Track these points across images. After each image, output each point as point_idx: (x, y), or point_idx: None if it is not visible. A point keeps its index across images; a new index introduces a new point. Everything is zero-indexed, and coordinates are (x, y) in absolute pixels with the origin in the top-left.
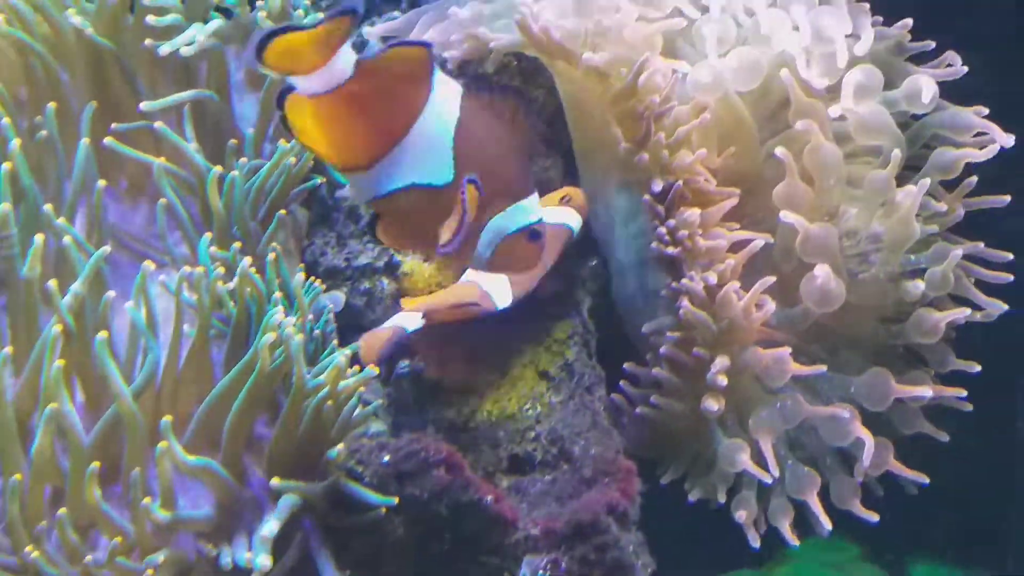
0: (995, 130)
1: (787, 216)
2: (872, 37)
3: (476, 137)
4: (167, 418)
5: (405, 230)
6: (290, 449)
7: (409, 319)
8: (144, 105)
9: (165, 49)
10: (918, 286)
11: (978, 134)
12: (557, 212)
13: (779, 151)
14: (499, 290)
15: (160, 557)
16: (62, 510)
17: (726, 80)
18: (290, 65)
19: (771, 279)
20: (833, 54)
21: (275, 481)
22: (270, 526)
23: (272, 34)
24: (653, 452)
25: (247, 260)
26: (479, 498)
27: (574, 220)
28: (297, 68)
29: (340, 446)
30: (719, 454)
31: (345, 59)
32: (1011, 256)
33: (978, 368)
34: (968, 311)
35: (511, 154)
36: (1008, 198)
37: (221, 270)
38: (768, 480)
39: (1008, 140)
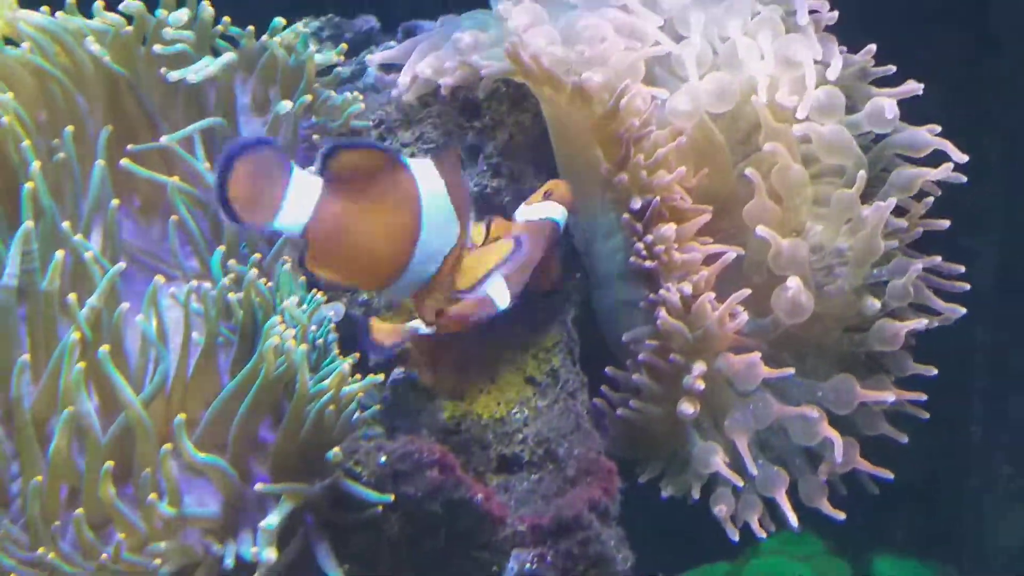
0: (949, 147)
1: (762, 231)
2: (841, 63)
3: (458, 190)
4: (181, 416)
5: (436, 294)
6: (293, 451)
7: (422, 324)
8: (165, 139)
9: (174, 75)
10: (874, 305)
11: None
12: (540, 207)
13: (749, 171)
14: (499, 292)
15: (162, 545)
16: (79, 510)
17: (702, 105)
18: (261, 217)
19: (746, 291)
20: (801, 78)
21: (259, 487)
22: (270, 518)
23: (224, 198)
24: (632, 452)
25: (254, 271)
26: (470, 496)
27: (557, 212)
28: (263, 215)
29: (336, 449)
30: (693, 455)
31: (303, 184)
32: (963, 268)
33: (935, 372)
34: (926, 321)
35: (465, 186)
36: (947, 223)
37: (230, 279)
38: (739, 483)
39: (962, 157)
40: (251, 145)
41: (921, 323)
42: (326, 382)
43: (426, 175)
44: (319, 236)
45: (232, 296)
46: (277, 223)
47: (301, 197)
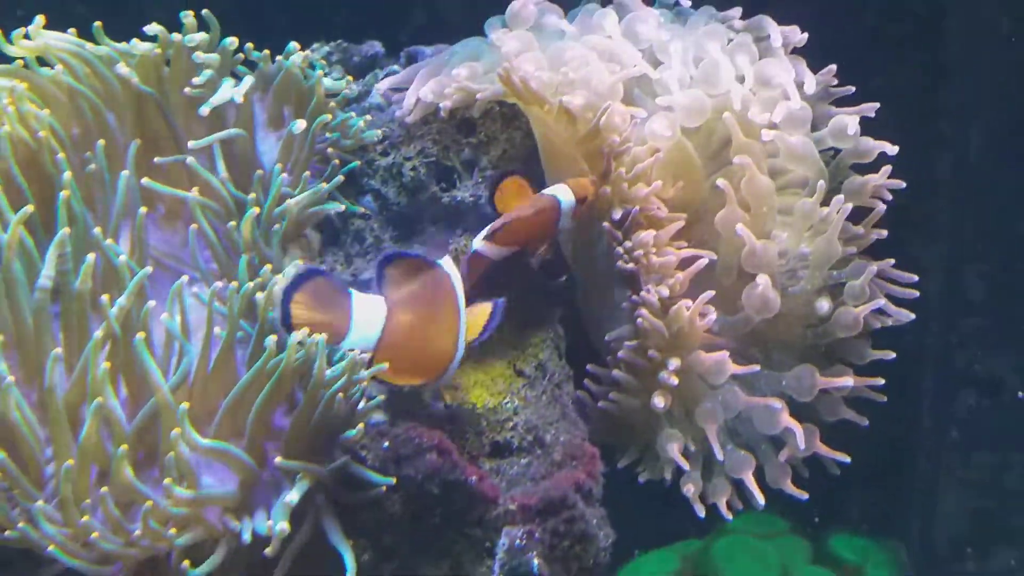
0: (886, 145)
1: (741, 229)
2: (814, 82)
3: (463, 280)
4: (184, 404)
5: None
6: (305, 435)
7: None
8: (192, 144)
9: (205, 109)
10: (823, 306)
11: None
12: (552, 188)
13: (720, 182)
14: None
15: (171, 505)
16: (104, 488)
17: (679, 127)
18: (328, 340)
19: (711, 293)
20: (773, 98)
21: (279, 460)
22: (291, 495)
23: (287, 326)
24: (612, 440)
25: (277, 276)
26: (465, 478)
27: (561, 192)
28: (335, 336)
29: (361, 424)
30: (658, 443)
31: (366, 306)
32: (916, 278)
33: (893, 355)
34: (883, 301)
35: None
36: (885, 232)
37: (256, 283)
38: (686, 467)
39: (893, 149)
40: (306, 277)
41: (879, 303)
42: (339, 367)
43: (451, 269)
44: (388, 349)
45: (259, 296)
46: (347, 343)
47: (367, 318)
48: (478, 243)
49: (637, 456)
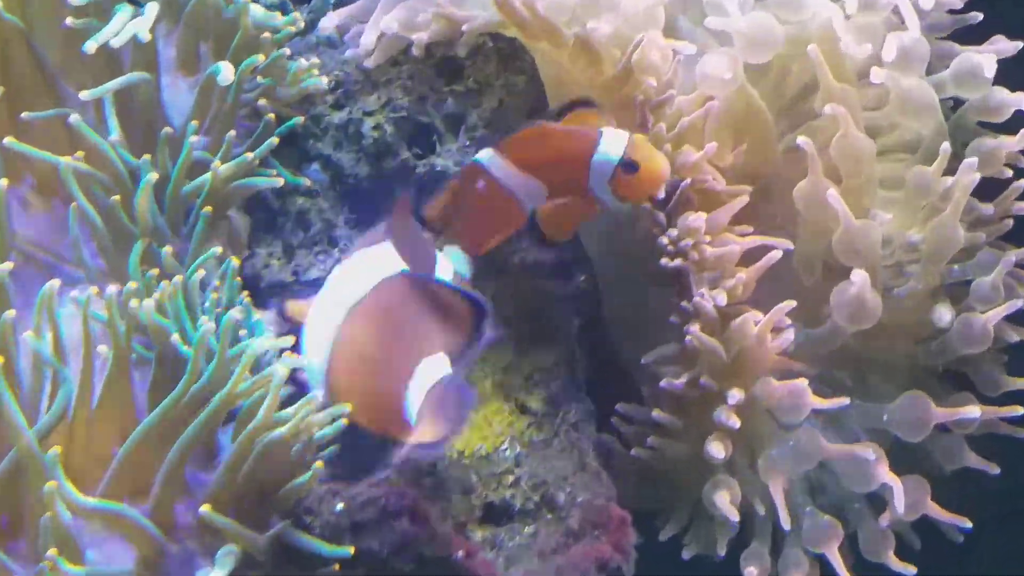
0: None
1: (834, 198)
2: None
3: None
4: (56, 449)
5: None
6: (232, 493)
7: None
8: (85, 94)
9: (92, 45)
10: (944, 316)
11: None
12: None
13: (802, 140)
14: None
15: None
16: None
17: (739, 60)
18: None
19: (790, 304)
20: (875, 25)
21: (205, 508)
22: (214, 573)
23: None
24: (650, 500)
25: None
26: (449, 553)
27: (610, 135)
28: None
29: (319, 464)
30: (704, 494)
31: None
32: None
33: None
34: (1021, 303)
35: None
36: None
37: (169, 282)
38: (735, 518)
39: None
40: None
41: (1017, 304)
42: (288, 410)
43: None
44: None
45: (146, 302)
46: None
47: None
48: (484, 154)
49: (685, 522)
